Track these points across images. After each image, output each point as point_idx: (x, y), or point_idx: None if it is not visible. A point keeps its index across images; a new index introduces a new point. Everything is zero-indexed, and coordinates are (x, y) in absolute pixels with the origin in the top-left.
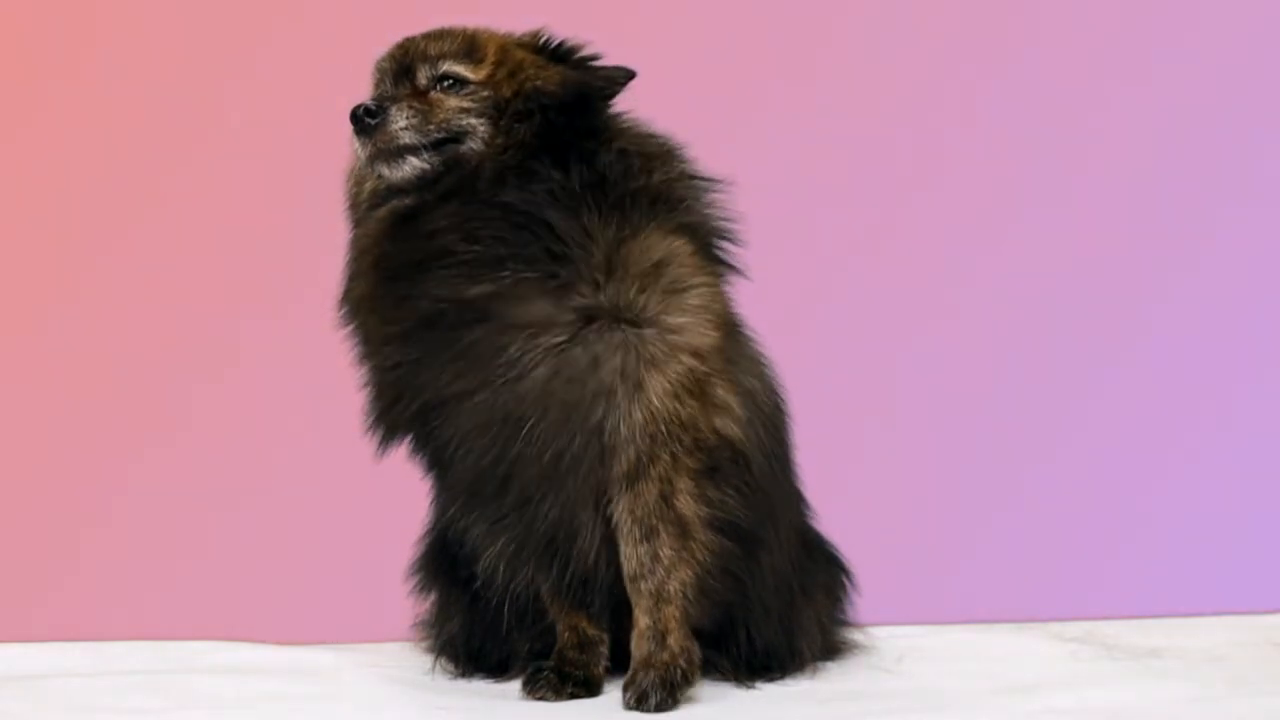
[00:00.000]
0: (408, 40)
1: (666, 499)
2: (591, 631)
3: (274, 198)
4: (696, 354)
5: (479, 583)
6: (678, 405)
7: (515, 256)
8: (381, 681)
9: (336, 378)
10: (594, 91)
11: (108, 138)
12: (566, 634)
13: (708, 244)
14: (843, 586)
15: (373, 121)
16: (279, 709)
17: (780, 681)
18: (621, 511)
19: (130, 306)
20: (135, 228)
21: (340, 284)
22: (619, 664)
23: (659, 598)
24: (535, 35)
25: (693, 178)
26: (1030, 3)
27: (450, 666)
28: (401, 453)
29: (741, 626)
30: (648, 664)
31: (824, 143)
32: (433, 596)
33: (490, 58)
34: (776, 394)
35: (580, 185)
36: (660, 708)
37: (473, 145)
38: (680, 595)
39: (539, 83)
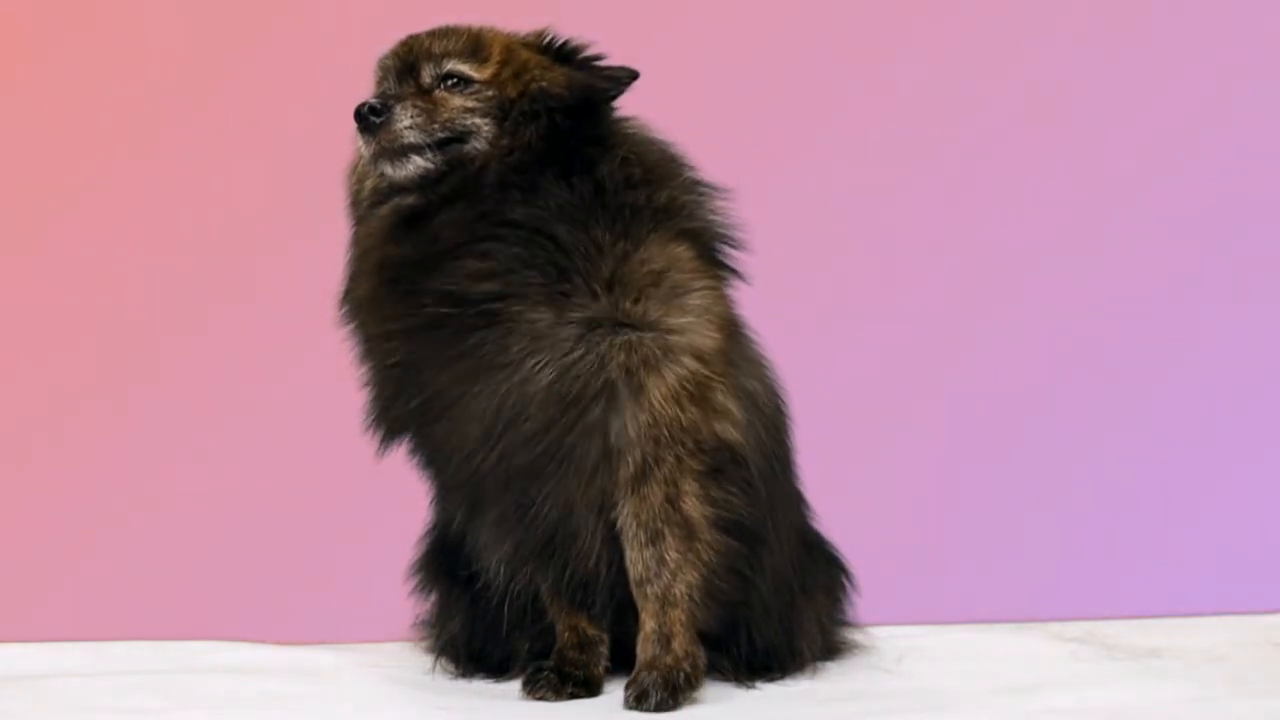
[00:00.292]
0: (412, 38)
1: (672, 501)
2: (591, 631)
3: (274, 197)
4: (699, 356)
5: (480, 583)
6: (678, 410)
7: (520, 268)
8: (381, 681)
9: (337, 377)
10: (598, 93)
11: (107, 137)
12: (566, 634)
13: (710, 248)
14: (843, 587)
15: (377, 120)
16: (279, 709)
17: (780, 681)
18: (626, 515)
19: (130, 307)
20: (135, 227)
21: (341, 283)
22: (620, 664)
23: (665, 601)
24: (540, 35)
25: (694, 184)
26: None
27: (451, 667)
28: (402, 452)
29: (742, 627)
30: (651, 666)
31: (825, 144)
32: (433, 597)
33: (495, 57)
34: (777, 395)
35: (583, 196)
36: (660, 707)
37: (477, 145)
38: (686, 598)
39: (545, 84)
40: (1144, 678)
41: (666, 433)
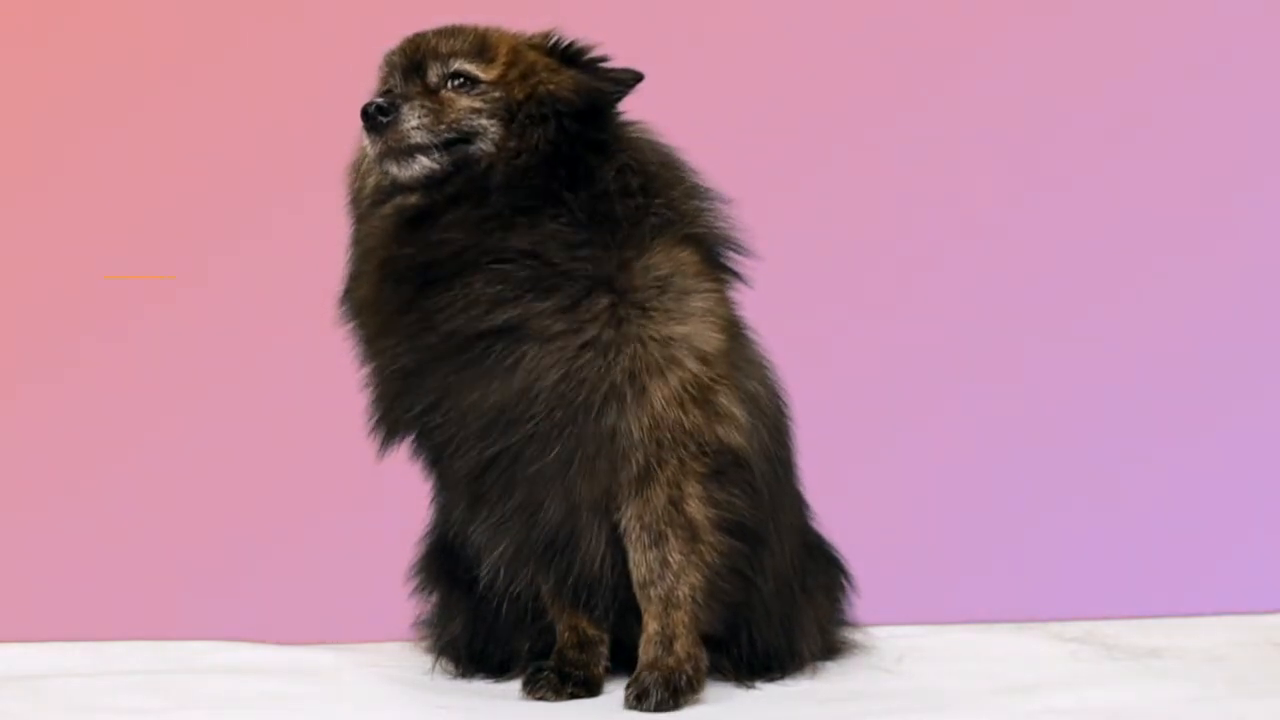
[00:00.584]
0: (418, 36)
1: (676, 504)
2: (591, 631)
3: (273, 196)
4: (702, 358)
5: (481, 584)
6: (681, 413)
7: (527, 271)
8: (381, 681)
9: (337, 378)
10: (603, 96)
11: (106, 135)
12: (566, 634)
13: (713, 252)
14: (842, 587)
15: (385, 119)
16: (279, 709)
17: (780, 682)
18: (630, 518)
19: (130, 306)
20: (137, 227)
21: (342, 282)
22: (621, 665)
23: (668, 603)
24: (546, 36)
25: (697, 189)
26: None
27: (451, 667)
28: (402, 453)
29: (743, 627)
30: (653, 666)
31: (825, 144)
32: (434, 597)
33: (502, 58)
34: (779, 397)
35: (587, 204)
36: (660, 707)
37: (482, 146)
38: (690, 600)
39: (553, 87)
40: (1144, 678)
41: (670, 435)
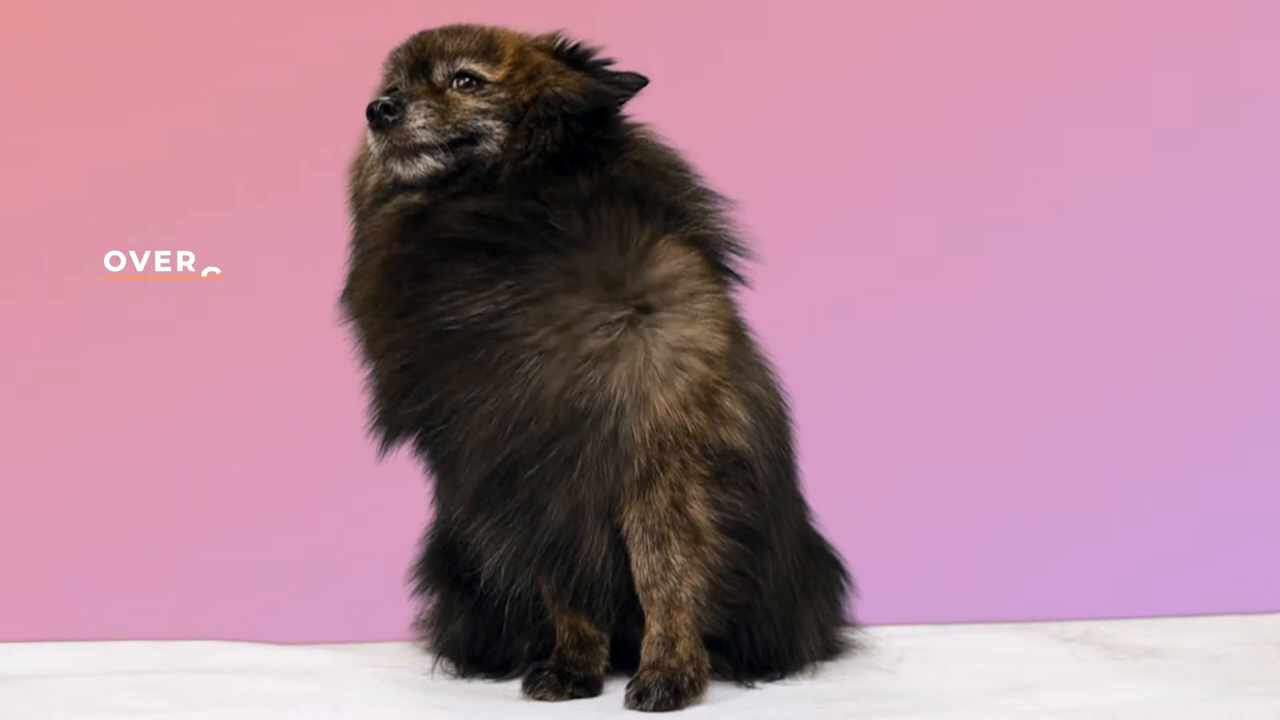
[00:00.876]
0: (425, 34)
1: (678, 506)
2: (591, 631)
3: (275, 196)
4: (706, 359)
5: (482, 585)
6: (684, 415)
7: (529, 270)
8: (381, 681)
9: (337, 378)
10: (609, 99)
11: (107, 132)
12: (566, 634)
13: (716, 255)
14: (842, 588)
15: (391, 118)
16: (279, 709)
17: (781, 681)
18: (632, 520)
19: (131, 308)
20: (136, 227)
21: (343, 280)
22: (621, 665)
23: (671, 605)
24: (552, 37)
25: (702, 192)
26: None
27: (451, 667)
28: (403, 453)
29: (744, 628)
30: (655, 667)
31: (826, 145)
32: (435, 598)
33: (508, 58)
34: (780, 398)
35: (594, 204)
36: (660, 706)
37: (487, 147)
38: (692, 602)
39: (560, 90)
40: (1144, 678)
41: (672, 437)
